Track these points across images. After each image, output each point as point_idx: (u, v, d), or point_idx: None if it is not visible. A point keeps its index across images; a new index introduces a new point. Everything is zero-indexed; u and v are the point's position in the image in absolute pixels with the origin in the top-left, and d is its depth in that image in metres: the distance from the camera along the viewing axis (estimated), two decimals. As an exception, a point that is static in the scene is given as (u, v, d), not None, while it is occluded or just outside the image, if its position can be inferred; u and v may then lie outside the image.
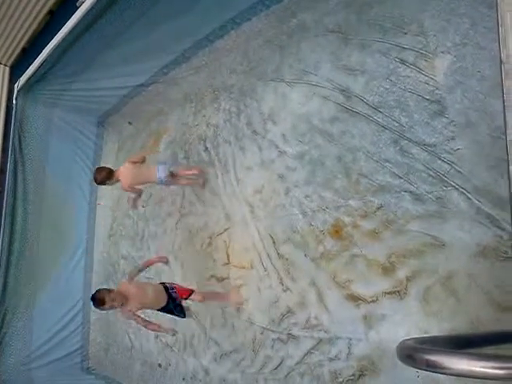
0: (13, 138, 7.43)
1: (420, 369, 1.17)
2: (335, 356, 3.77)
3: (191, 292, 4.80)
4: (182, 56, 6.21)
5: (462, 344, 1.47)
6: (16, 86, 7.37)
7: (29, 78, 7.01)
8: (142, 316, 4.61)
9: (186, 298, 4.77)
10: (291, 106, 4.55)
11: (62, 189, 8.18)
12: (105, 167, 5.29)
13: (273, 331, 4.39)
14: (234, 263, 4.98)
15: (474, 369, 1.02)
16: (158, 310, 4.71)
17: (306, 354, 4.04)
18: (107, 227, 7.95)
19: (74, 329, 8.05)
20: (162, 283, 4.85)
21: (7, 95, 9.53)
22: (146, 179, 5.28)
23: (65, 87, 7.32)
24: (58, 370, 7.67)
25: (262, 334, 4.52)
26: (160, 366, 6.11)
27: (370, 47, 3.89)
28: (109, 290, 4.40)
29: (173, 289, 4.75)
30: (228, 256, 5.08)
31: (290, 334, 4.21)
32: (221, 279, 5.14)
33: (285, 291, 4.30)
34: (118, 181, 5.17)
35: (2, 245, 7.26)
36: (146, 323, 4.61)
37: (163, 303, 4.63)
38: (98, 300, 4.30)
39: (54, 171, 7.98)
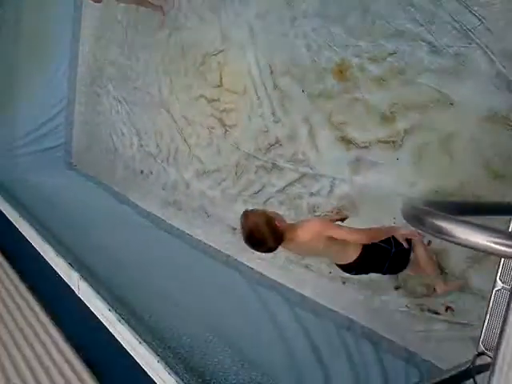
0: None
1: (427, 233, 1.05)
2: (316, 191, 3.77)
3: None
4: None
5: (469, 211, 1.35)
6: None
7: None
8: None
9: None
10: None
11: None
12: None
13: (258, 159, 4.31)
14: (227, 87, 4.67)
15: (484, 243, 0.90)
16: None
17: (287, 185, 4.03)
18: (94, 29, 7.20)
19: (58, 125, 7.86)
20: None
21: None
22: None
23: None
24: (42, 160, 7.65)
25: (246, 159, 4.45)
26: (142, 172, 6.11)
27: None
28: None
29: None
30: (221, 78, 4.74)
31: (274, 163, 4.15)
32: (210, 100, 4.86)
33: (276, 122, 4.11)
34: None
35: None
36: None
37: None
38: None
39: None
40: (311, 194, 3.80)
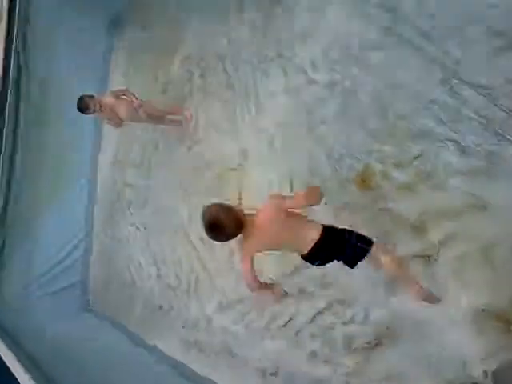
0: (16, 37, 7.33)
1: None
2: (350, 319, 3.75)
3: None
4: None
5: None
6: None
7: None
8: None
9: None
10: (327, 25, 4.30)
11: (68, 105, 8.14)
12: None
13: (283, 285, 4.37)
14: (246, 203, 4.91)
15: None
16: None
17: (317, 314, 4.03)
18: (112, 152, 7.93)
19: (75, 260, 8.27)
20: None
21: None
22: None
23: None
24: (58, 302, 7.96)
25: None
26: (161, 308, 6.26)
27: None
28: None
29: None
30: (240, 194, 5.01)
31: (302, 289, 4.19)
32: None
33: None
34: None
35: (2, 168, 7.37)
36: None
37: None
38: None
39: (60, 75, 7.89)
40: (344, 323, 3.79)
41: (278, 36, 4.83)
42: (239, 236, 2.98)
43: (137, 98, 5.54)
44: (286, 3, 4.80)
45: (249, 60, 5.13)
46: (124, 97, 5.58)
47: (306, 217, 3.12)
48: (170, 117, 6.09)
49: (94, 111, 5.34)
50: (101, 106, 5.33)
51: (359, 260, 3.08)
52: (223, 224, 2.76)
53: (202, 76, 5.96)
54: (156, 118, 5.95)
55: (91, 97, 5.30)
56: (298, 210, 3.09)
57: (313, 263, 3.22)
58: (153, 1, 7.23)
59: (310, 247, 3.01)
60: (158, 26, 7.24)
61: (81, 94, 5.47)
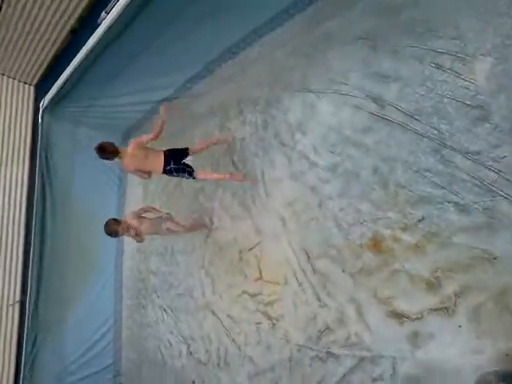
0: (40, 157, 7.46)
1: None
2: (379, 376, 3.58)
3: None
4: (205, 69, 6.08)
5: None
6: (41, 104, 7.40)
7: (53, 97, 7.04)
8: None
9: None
10: (321, 116, 4.40)
11: (89, 206, 8.15)
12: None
13: (311, 349, 4.21)
14: (267, 278, 4.83)
15: None
16: None
17: (347, 373, 3.85)
18: (136, 243, 7.84)
19: (106, 345, 8.03)
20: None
21: (33, 114, 9.56)
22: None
23: (89, 104, 7.31)
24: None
25: (298, 351, 4.35)
26: (194, 383, 5.97)
27: (402, 53, 3.70)
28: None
29: None
30: (260, 271, 4.93)
31: (328, 351, 4.04)
32: (253, 295, 4.98)
33: (322, 307, 4.13)
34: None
35: (32, 263, 7.29)
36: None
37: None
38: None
39: (81, 188, 7.98)
40: (374, 380, 3.60)
41: (277, 130, 4.91)
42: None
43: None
44: (281, 105, 4.92)
45: (255, 153, 5.19)
46: (145, 215, 5.59)
47: (153, 149, 5.13)
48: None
49: (123, 234, 5.34)
50: (128, 228, 5.27)
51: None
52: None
53: (213, 171, 6.00)
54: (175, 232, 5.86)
55: (116, 220, 5.30)
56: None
57: (169, 174, 5.16)
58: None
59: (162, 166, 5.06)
60: (168, 135, 7.38)
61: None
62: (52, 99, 7.13)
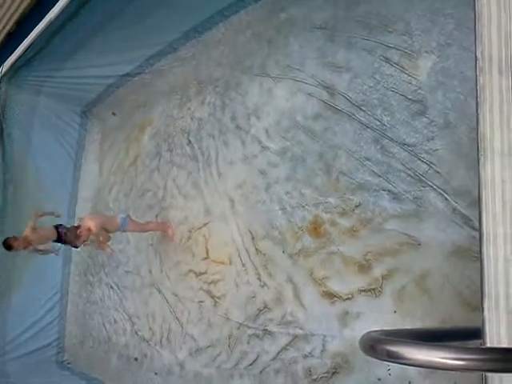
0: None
1: (380, 359, 1.18)
2: (309, 353, 3.80)
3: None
4: (169, 47, 6.18)
5: (425, 338, 1.49)
6: (0, 70, 7.31)
7: (13, 63, 6.95)
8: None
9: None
10: (276, 101, 4.57)
11: (44, 179, 8.13)
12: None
13: (249, 327, 4.41)
14: (213, 258, 4.99)
15: (433, 359, 1.02)
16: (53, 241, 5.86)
17: (281, 351, 4.06)
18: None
19: (51, 321, 8.01)
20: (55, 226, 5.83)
21: (-10, 81, 9.42)
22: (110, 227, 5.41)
23: (49, 74, 7.26)
24: (34, 362, 7.64)
25: (238, 329, 4.54)
26: (136, 360, 6.10)
27: (355, 45, 3.91)
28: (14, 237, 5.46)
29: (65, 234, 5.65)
30: (207, 251, 5.09)
31: (265, 329, 4.23)
32: (199, 274, 5.14)
33: (262, 287, 4.32)
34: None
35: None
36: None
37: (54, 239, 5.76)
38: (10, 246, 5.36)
39: (36, 160, 7.93)
40: (305, 356, 3.82)
41: (234, 113, 5.07)
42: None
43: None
44: (240, 88, 5.07)
45: (210, 133, 5.34)
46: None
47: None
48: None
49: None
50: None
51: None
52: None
53: (169, 150, 6.12)
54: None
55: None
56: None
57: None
58: (123, 89, 7.43)
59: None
60: (128, 110, 7.45)
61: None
62: (11, 66, 7.07)
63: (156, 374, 5.60)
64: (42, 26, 5.88)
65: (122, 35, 6.06)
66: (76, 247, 5.50)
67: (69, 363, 7.81)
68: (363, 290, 3.45)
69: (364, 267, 3.47)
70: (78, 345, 7.72)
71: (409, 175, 3.31)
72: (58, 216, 6.36)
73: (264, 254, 4.35)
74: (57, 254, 6.65)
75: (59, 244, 6.00)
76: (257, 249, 4.43)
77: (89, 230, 5.01)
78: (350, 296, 3.54)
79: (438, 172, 3.15)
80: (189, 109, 5.88)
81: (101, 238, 5.36)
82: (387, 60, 3.63)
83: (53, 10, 5.55)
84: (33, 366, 7.55)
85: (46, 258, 8.01)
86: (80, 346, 7.62)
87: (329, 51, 4.15)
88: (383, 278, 3.34)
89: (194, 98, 5.80)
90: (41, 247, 5.93)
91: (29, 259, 7.82)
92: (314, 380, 3.74)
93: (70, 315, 8.05)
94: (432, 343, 1.14)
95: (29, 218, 7.72)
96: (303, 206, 4.03)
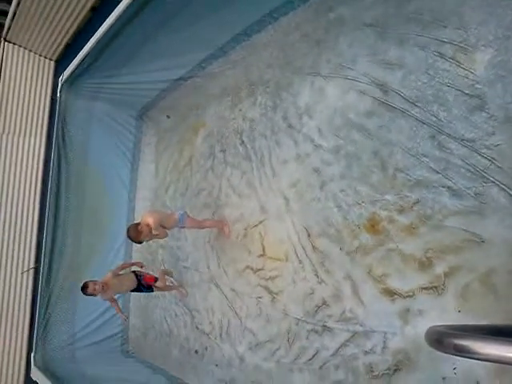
0: (56, 130, 7.65)
1: (447, 353, 1.14)
2: (370, 349, 3.73)
3: (155, 279, 6.36)
4: (219, 50, 6.21)
5: (492, 333, 1.43)
6: (60, 79, 7.57)
7: (72, 72, 7.21)
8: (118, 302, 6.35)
9: (153, 285, 6.34)
10: (327, 100, 4.50)
11: (103, 180, 8.38)
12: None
13: (308, 322, 4.38)
14: (270, 255, 4.99)
15: (504, 354, 0.97)
16: (131, 291, 6.46)
17: (340, 347, 4.02)
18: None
19: (114, 313, 8.26)
20: (134, 272, 6.36)
21: (52, 89, 9.78)
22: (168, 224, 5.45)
23: (106, 81, 7.49)
24: (100, 351, 7.91)
25: (296, 325, 4.52)
26: (197, 352, 6.20)
27: (408, 41, 3.78)
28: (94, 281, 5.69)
29: (141, 277, 6.28)
30: (263, 248, 5.09)
31: (324, 325, 4.20)
32: (256, 270, 5.15)
33: (320, 283, 4.29)
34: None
35: (46, 231, 7.52)
36: (115, 305, 6.23)
37: (134, 288, 6.22)
38: (86, 287, 5.60)
39: (96, 162, 8.19)
40: (366, 353, 3.77)
41: (285, 112, 5.03)
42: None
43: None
44: (291, 88, 5.02)
45: (263, 133, 5.32)
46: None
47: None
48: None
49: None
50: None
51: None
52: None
53: (222, 150, 6.15)
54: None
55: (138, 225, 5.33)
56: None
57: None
58: (176, 92, 7.52)
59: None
60: (181, 112, 7.54)
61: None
62: (71, 74, 7.31)
63: (217, 365, 5.67)
64: (98, 36, 6.08)
65: (173, 41, 6.15)
66: (140, 243, 5.53)
67: (133, 353, 8.04)
68: (424, 288, 3.36)
69: (425, 264, 3.37)
70: (141, 337, 7.94)
71: (469, 171, 3.18)
72: (142, 267, 6.73)
73: (321, 252, 4.31)
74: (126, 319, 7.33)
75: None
76: (313, 246, 4.39)
77: (147, 225, 5.10)
78: (411, 293, 3.45)
79: (499, 167, 3.01)
80: (240, 110, 5.88)
81: (157, 234, 5.38)
82: (442, 55, 3.50)
83: (107, 20, 5.71)
84: (100, 354, 7.81)
85: (108, 253, 8.32)
86: (143, 338, 7.82)
87: (380, 49, 4.04)
88: (445, 275, 3.24)
89: (246, 99, 5.79)
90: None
91: (93, 250, 8.12)
92: (376, 376, 3.68)
93: (133, 308, 8.27)
94: (502, 338, 1.09)
95: (88, 218, 8.06)
96: (359, 204, 3.96)
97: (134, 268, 6.62)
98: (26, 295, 9.11)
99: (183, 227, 5.59)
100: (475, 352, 1.05)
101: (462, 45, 3.37)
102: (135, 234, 5.17)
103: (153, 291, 6.43)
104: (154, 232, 5.15)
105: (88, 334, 8.03)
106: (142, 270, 6.59)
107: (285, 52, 5.24)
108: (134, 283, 6.16)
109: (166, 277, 6.71)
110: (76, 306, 7.94)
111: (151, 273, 6.64)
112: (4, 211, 9.13)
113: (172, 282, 6.84)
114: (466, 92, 3.28)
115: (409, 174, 3.57)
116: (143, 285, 6.23)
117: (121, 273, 6.24)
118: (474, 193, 3.14)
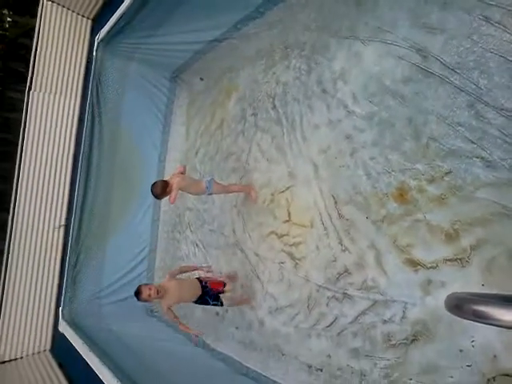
0: (91, 90, 7.73)
1: (465, 318, 1.12)
2: (389, 318, 3.73)
3: (224, 285, 5.46)
4: (255, 11, 6.09)
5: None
6: (96, 38, 7.60)
7: (108, 31, 7.21)
8: (176, 314, 5.05)
9: (222, 292, 5.38)
10: (364, 65, 4.38)
11: (135, 140, 8.48)
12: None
13: (328, 289, 4.39)
14: (295, 221, 4.98)
15: None
16: (194, 302, 5.30)
17: (359, 314, 4.02)
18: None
19: (140, 273, 8.48)
20: (198, 278, 5.47)
21: (88, 48, 9.84)
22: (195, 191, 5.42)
23: (141, 41, 7.47)
24: (125, 309, 8.12)
25: (317, 291, 4.54)
26: (217, 314, 6.30)
27: (452, 4, 3.62)
28: (148, 285, 4.97)
29: (206, 283, 5.36)
30: (289, 214, 5.08)
31: (345, 293, 4.20)
32: (280, 236, 5.16)
33: (343, 251, 4.27)
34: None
35: (77, 189, 7.69)
36: (178, 321, 5.04)
37: (197, 297, 5.23)
38: (139, 292, 4.85)
39: (128, 123, 8.26)
40: (384, 322, 3.76)
41: (320, 77, 4.94)
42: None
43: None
44: (327, 52, 4.91)
45: (295, 98, 5.25)
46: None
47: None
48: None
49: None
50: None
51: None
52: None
53: (253, 114, 6.11)
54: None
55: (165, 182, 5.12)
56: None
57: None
58: (210, 54, 7.46)
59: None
60: (215, 75, 7.49)
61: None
62: (107, 33, 7.33)
63: (237, 328, 5.76)
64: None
65: (209, 1, 6.06)
66: (159, 198, 5.21)
67: (156, 312, 8.23)
68: (449, 260, 3.30)
69: (451, 236, 3.31)
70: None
71: (506, 142, 3.07)
72: (209, 271, 6.11)
73: (347, 219, 4.27)
74: (196, 343, 6.44)
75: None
76: (339, 213, 4.36)
77: (171, 186, 5.03)
78: (435, 265, 3.40)
79: (539, 139, 2.90)
80: (274, 73, 5.79)
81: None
82: (487, 19, 3.34)
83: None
84: (124, 312, 8.02)
85: (136, 214, 8.48)
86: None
87: (422, 12, 3.88)
88: (472, 248, 3.17)
89: (280, 62, 5.70)
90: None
91: (123, 210, 8.28)
92: (393, 346, 3.68)
93: (158, 269, 8.44)
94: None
95: (119, 178, 8.18)
96: (389, 172, 3.88)
97: (197, 274, 5.87)
98: (57, 252, 9.39)
99: (211, 194, 5.58)
100: (495, 318, 1.03)
101: (510, 8, 3.21)
102: (160, 190, 4.98)
103: (222, 304, 5.34)
104: (173, 192, 5.04)
105: (114, 291, 8.24)
106: (209, 275, 5.86)
107: (322, 14, 5.11)
108: (197, 290, 5.23)
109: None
110: (103, 265, 8.15)
111: (218, 276, 5.95)
112: (38, 169, 9.32)
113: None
114: (510, 59, 3.14)
115: (442, 144, 3.48)
116: (209, 293, 5.26)
117: (181, 277, 5.56)
118: (509, 165, 3.04)
